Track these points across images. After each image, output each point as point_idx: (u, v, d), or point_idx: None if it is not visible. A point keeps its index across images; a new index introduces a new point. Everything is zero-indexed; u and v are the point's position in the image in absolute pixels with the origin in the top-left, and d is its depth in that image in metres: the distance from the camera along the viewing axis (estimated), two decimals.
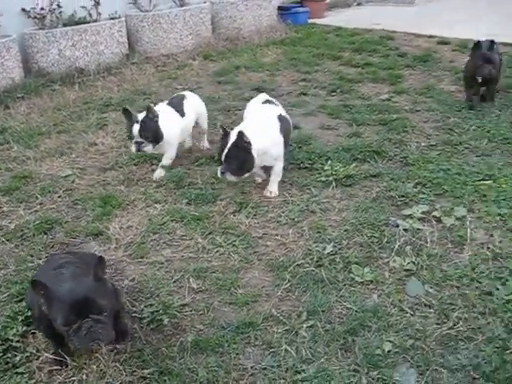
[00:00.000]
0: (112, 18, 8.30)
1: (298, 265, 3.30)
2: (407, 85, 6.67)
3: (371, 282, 3.18)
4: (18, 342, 2.88)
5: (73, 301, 2.37)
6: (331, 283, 3.16)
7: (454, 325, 2.83)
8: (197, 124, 4.96)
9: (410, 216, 3.75)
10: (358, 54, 8.23)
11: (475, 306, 2.95)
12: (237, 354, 2.72)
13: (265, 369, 2.63)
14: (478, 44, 5.55)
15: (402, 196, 4.00)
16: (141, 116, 4.29)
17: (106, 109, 6.29)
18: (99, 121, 5.89)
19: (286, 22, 10.23)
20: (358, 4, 13.10)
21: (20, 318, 3.00)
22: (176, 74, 7.51)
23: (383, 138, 5.01)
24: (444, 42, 8.70)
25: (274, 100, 4.58)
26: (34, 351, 2.83)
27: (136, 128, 4.25)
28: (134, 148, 4.35)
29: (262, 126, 4.04)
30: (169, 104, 4.71)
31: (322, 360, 2.65)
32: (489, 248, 3.41)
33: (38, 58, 7.63)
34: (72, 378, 2.65)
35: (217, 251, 3.52)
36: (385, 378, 2.54)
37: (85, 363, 2.72)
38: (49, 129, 5.80)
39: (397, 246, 3.45)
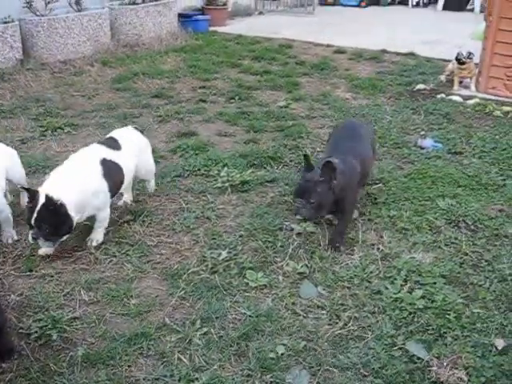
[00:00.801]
0: (5, 22, 7.94)
1: (192, 272, 3.30)
2: (304, 92, 6.83)
3: (265, 286, 3.22)
4: None
5: None
6: (225, 289, 3.17)
7: (345, 324, 2.93)
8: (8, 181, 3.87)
9: (304, 220, 3.83)
10: (257, 61, 8.35)
11: (365, 305, 3.06)
12: (129, 365, 2.67)
13: (157, 379, 2.60)
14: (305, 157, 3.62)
15: None
16: None
17: None
18: None
19: (186, 29, 10.20)
20: (260, 13, 13.28)
21: None
22: (73, 81, 7.30)
23: (279, 144, 5.11)
24: (340, 51, 9.00)
25: (127, 137, 3.97)
26: None
27: None
28: None
29: (75, 175, 3.46)
30: None
31: (216, 367, 2.65)
32: (378, 249, 3.56)
33: None
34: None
35: (110, 261, 3.45)
36: (278, 381, 2.59)
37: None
38: None
39: (290, 250, 3.52)
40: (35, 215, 3.23)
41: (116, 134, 3.97)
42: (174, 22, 10.19)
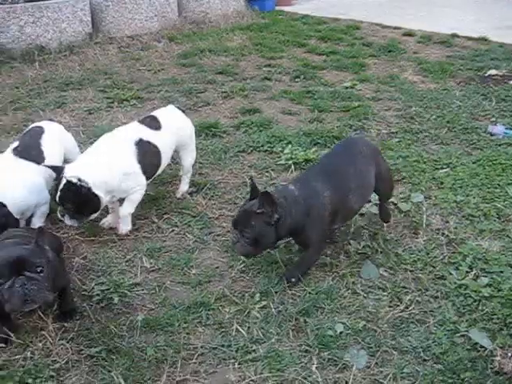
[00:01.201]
0: None
1: None
2: (371, 73, 6.68)
3: (326, 264, 3.17)
4: None
5: (7, 259, 2.38)
6: (285, 265, 3.15)
7: (406, 307, 2.85)
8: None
9: (368, 201, 3.76)
10: (323, 42, 8.22)
11: (428, 290, 2.98)
12: (187, 333, 2.69)
13: (215, 348, 2.61)
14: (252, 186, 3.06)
15: None
16: None
17: (66, 87, 6.15)
18: (58, 99, 5.75)
19: (253, 7, 10.14)
20: None
21: None
22: (139, 56, 7.38)
23: (344, 125, 5.02)
24: (409, 33, 8.74)
25: (164, 116, 3.73)
26: None
27: None
28: None
29: (105, 154, 3.32)
30: (18, 150, 3.46)
31: (273, 340, 2.64)
32: (444, 234, 3.45)
33: None
34: (17, 356, 2.58)
35: (172, 231, 3.48)
36: (336, 358, 2.54)
37: (30, 341, 2.66)
38: (5, 106, 5.64)
39: (352, 230, 3.46)
40: (59, 193, 3.14)
41: (158, 112, 3.79)
42: (240, 0, 10.15)
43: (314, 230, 2.99)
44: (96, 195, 3.17)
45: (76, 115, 5.34)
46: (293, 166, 4.20)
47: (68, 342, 2.64)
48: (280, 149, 4.49)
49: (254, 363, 2.53)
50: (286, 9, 10.70)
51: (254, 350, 2.59)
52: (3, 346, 2.64)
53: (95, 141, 4.34)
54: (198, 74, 6.54)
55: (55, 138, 3.63)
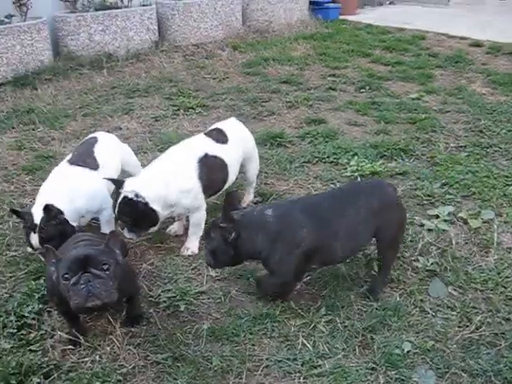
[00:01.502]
0: (143, 5, 8.29)
1: None
2: (438, 85, 6.55)
3: (393, 280, 3.11)
4: (33, 319, 2.87)
5: (75, 255, 2.44)
6: (352, 279, 3.10)
7: (477, 328, 2.76)
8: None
9: (436, 216, 3.67)
10: (388, 52, 8.12)
11: (499, 311, 2.87)
12: (252, 344, 2.68)
13: (280, 361, 2.58)
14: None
15: (428, 195, 3.93)
16: (37, 217, 3.13)
17: (133, 94, 6.29)
18: (125, 106, 5.88)
19: (316, 17, 10.14)
20: (391, 3, 12.94)
21: (36, 296, 2.99)
22: (204, 64, 7.48)
23: (411, 137, 4.93)
24: (477, 44, 8.55)
25: (230, 130, 3.67)
26: (49, 329, 2.82)
27: (35, 238, 3.15)
28: (42, 258, 3.22)
29: (164, 170, 3.27)
30: (73, 159, 3.51)
31: (340, 356, 2.60)
32: None
33: (68, 42, 7.64)
34: (85, 359, 2.63)
35: None
36: (403, 378, 2.48)
37: (99, 344, 2.70)
38: (75, 111, 5.81)
39: (420, 246, 3.37)
40: (117, 207, 3.16)
41: (222, 125, 3.71)
42: (304, 9, 10.16)
43: (279, 265, 2.78)
44: (153, 210, 3.15)
45: (143, 122, 5.43)
46: (359, 179, 4.15)
47: (135, 348, 2.66)
48: (346, 160, 4.44)
49: (319, 378, 2.49)
50: (350, 18, 10.64)
51: (319, 365, 2.55)
52: (72, 348, 2.69)
53: (162, 148, 4.46)
54: (262, 83, 6.57)
55: (109, 148, 3.68)
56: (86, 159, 3.48)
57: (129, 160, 3.86)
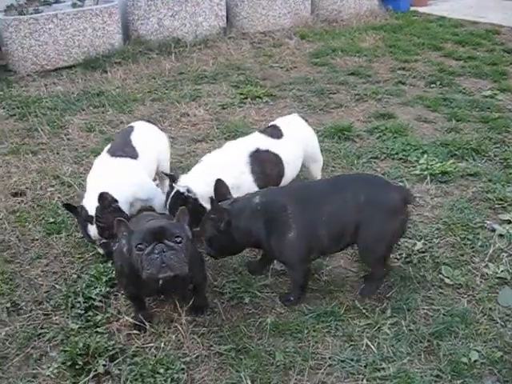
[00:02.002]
0: None
1: None
2: None
3: (461, 285, 3.03)
4: (100, 301, 2.94)
5: (150, 227, 2.49)
6: (419, 282, 3.03)
7: None
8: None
9: (508, 221, 3.55)
10: (461, 46, 7.87)
11: None
12: (316, 342, 2.66)
13: (343, 361, 2.56)
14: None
15: (501, 199, 3.79)
16: (91, 208, 3.18)
17: (201, 81, 6.32)
18: (193, 92, 5.91)
19: (386, 7, 9.91)
20: None
21: (104, 279, 3.06)
22: (272, 52, 7.43)
23: (483, 137, 4.77)
24: None
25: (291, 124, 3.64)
26: (115, 313, 2.88)
27: (93, 229, 3.18)
28: (101, 250, 3.32)
29: (216, 166, 3.25)
30: (112, 150, 3.54)
31: (404, 360, 2.55)
32: None
33: (138, 26, 7.72)
34: (149, 344, 2.67)
35: None
36: None
37: (163, 331, 2.74)
38: (143, 96, 5.88)
39: (491, 252, 3.27)
40: (169, 201, 3.20)
41: (280, 121, 3.68)
42: None
43: (279, 248, 2.78)
44: (203, 207, 3.16)
45: (210, 109, 5.46)
46: (428, 178, 4.04)
47: (199, 337, 2.69)
48: (415, 158, 4.34)
49: (382, 382, 2.45)
50: (421, 9, 10.36)
51: (383, 368, 2.51)
52: (137, 332, 2.74)
53: (228, 136, 4.46)
54: (329, 74, 6.49)
55: (145, 136, 3.69)
56: (125, 148, 3.51)
57: (163, 152, 3.82)
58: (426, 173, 4.10)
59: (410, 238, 3.38)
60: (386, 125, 4.92)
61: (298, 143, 3.56)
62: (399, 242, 3.32)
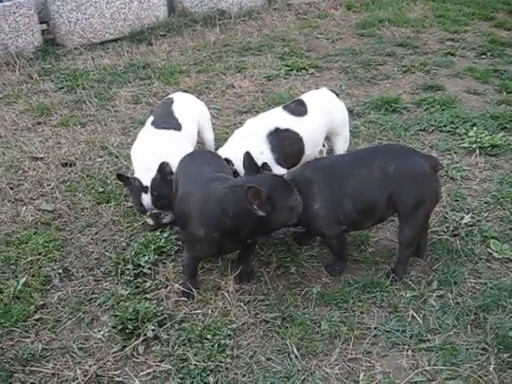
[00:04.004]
0: None
1: (432, 231, 3.16)
2: None
3: (510, 259, 2.99)
4: (149, 269, 3.01)
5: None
6: (466, 255, 3.00)
7: None
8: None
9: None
10: None
11: None
12: (361, 312, 2.67)
13: (388, 331, 2.57)
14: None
15: None
16: (146, 179, 3.24)
17: (246, 52, 6.30)
18: (238, 64, 5.90)
19: None
20: None
21: (152, 247, 3.13)
22: (317, 23, 7.34)
23: None
24: None
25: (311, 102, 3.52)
26: (163, 280, 2.94)
27: (147, 199, 3.24)
28: (150, 221, 3.37)
29: (238, 147, 3.21)
30: (156, 123, 3.57)
31: (450, 333, 2.54)
32: None
33: None
34: (197, 311, 2.73)
35: None
36: None
37: (210, 298, 2.79)
38: (188, 68, 5.90)
39: None
40: None
41: (307, 96, 3.59)
42: None
43: (307, 218, 2.74)
44: None
45: (255, 81, 5.44)
46: (478, 151, 3.97)
47: (245, 305, 2.73)
48: (464, 130, 4.26)
49: (428, 353, 2.46)
50: None
51: (428, 340, 2.52)
52: (185, 299, 2.79)
53: (273, 107, 4.43)
54: (376, 45, 6.38)
55: (185, 107, 3.70)
56: (168, 120, 3.54)
57: (204, 123, 3.86)
58: (474, 146, 4.03)
59: (458, 211, 3.34)
60: (434, 97, 4.83)
61: (321, 120, 3.47)
62: (446, 215, 3.30)
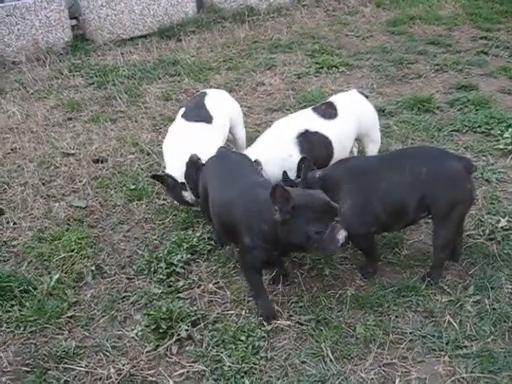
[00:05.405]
0: None
1: (467, 235, 3.10)
2: None
3: None
4: (182, 268, 3.00)
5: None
6: (503, 260, 2.94)
7: None
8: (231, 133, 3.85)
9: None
10: None
11: None
12: (396, 316, 2.64)
13: (424, 337, 2.53)
14: None
15: None
16: (179, 175, 3.28)
17: (275, 50, 6.27)
18: (267, 61, 5.88)
19: None
20: None
21: (185, 246, 3.13)
22: (346, 20, 7.27)
23: None
24: None
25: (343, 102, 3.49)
26: (196, 279, 2.94)
27: (189, 195, 3.32)
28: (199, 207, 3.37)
29: (266, 148, 3.23)
30: (187, 115, 3.58)
31: (488, 340, 2.49)
32: None
33: None
34: (230, 312, 2.72)
35: None
36: None
37: (243, 299, 2.78)
38: (218, 65, 5.90)
39: None
40: None
41: (336, 98, 3.56)
42: None
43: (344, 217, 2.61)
44: None
45: (285, 78, 5.42)
46: None
47: (279, 306, 2.71)
48: (499, 132, 4.18)
49: (465, 360, 2.41)
50: None
51: (465, 346, 2.47)
52: (219, 299, 2.78)
53: (305, 106, 4.41)
54: (407, 43, 6.30)
55: (218, 102, 3.67)
56: (200, 113, 3.52)
57: (236, 119, 3.82)
58: (510, 147, 3.95)
59: (494, 215, 3.28)
60: (468, 96, 4.75)
61: (351, 123, 3.43)
62: (482, 219, 3.24)
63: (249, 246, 2.55)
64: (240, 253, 2.73)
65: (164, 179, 3.30)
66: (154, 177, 3.35)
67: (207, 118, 3.51)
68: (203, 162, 3.18)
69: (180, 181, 3.23)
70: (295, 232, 2.40)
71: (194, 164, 3.20)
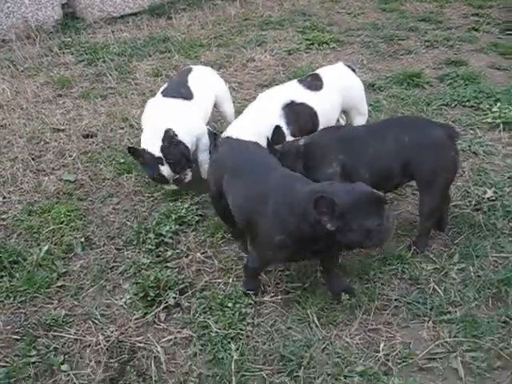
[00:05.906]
0: None
1: (454, 206, 3.13)
2: None
3: None
4: (170, 238, 3.03)
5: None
6: (488, 229, 2.98)
7: None
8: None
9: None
10: None
11: None
12: (382, 283, 2.67)
13: (409, 303, 2.57)
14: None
15: None
16: (156, 149, 3.25)
17: (266, 27, 6.25)
18: (258, 38, 5.86)
19: None
20: None
21: (173, 217, 3.15)
22: None
23: None
24: None
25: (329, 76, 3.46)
26: (185, 249, 2.97)
27: (167, 169, 3.27)
28: (174, 186, 3.40)
29: (253, 120, 3.20)
30: (167, 92, 3.58)
31: (472, 305, 2.53)
32: None
33: None
34: (218, 280, 2.75)
35: None
36: None
37: (231, 268, 2.81)
38: (209, 41, 5.88)
39: None
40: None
41: (322, 71, 3.53)
42: None
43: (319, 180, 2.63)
44: None
45: (276, 55, 5.41)
46: (501, 126, 3.91)
47: (266, 275, 2.74)
48: (487, 106, 4.19)
49: (448, 325, 2.45)
50: None
51: (449, 312, 2.51)
52: (207, 268, 2.81)
53: None
54: (399, 20, 6.28)
55: (202, 79, 3.68)
56: (180, 89, 3.53)
57: (222, 96, 3.84)
58: (498, 121, 3.97)
59: (481, 186, 3.31)
60: (458, 72, 4.76)
61: (337, 95, 3.42)
62: (469, 190, 3.27)
63: (275, 242, 2.40)
64: (259, 247, 2.56)
65: (140, 153, 3.29)
66: (130, 150, 3.34)
67: (187, 95, 3.51)
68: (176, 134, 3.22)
69: (156, 155, 3.23)
70: (353, 231, 2.24)
71: (170, 138, 3.21)
